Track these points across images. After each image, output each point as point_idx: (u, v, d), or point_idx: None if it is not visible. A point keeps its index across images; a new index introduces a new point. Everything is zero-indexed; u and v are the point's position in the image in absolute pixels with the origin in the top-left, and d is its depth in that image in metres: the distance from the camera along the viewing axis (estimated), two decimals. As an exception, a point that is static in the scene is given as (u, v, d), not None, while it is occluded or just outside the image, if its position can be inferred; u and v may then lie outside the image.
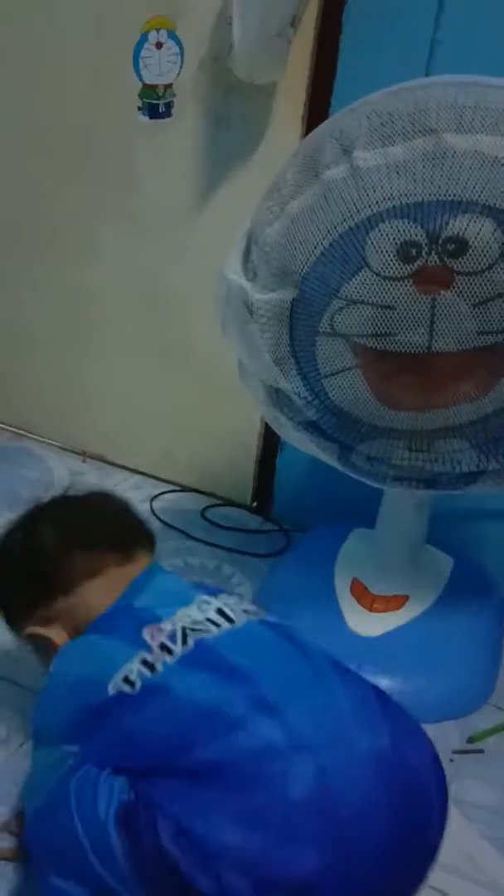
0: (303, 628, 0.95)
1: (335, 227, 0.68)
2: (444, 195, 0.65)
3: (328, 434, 0.82)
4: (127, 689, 0.62)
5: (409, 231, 0.65)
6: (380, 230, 0.66)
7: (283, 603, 1.01)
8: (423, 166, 0.65)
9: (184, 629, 0.65)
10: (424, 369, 0.72)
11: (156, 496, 1.32)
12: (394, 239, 0.66)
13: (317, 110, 1.08)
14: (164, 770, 0.58)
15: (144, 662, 0.63)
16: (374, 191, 0.66)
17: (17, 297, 1.42)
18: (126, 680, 0.62)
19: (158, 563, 0.79)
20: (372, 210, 0.66)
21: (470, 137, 0.64)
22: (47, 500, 0.82)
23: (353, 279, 0.68)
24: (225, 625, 0.67)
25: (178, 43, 1.12)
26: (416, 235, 0.66)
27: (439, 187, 0.65)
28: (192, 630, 0.66)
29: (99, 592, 0.72)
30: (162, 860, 0.54)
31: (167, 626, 0.66)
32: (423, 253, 0.66)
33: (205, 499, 1.34)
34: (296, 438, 0.86)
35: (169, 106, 1.14)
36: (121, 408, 1.37)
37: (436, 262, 0.66)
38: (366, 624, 0.94)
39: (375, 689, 0.66)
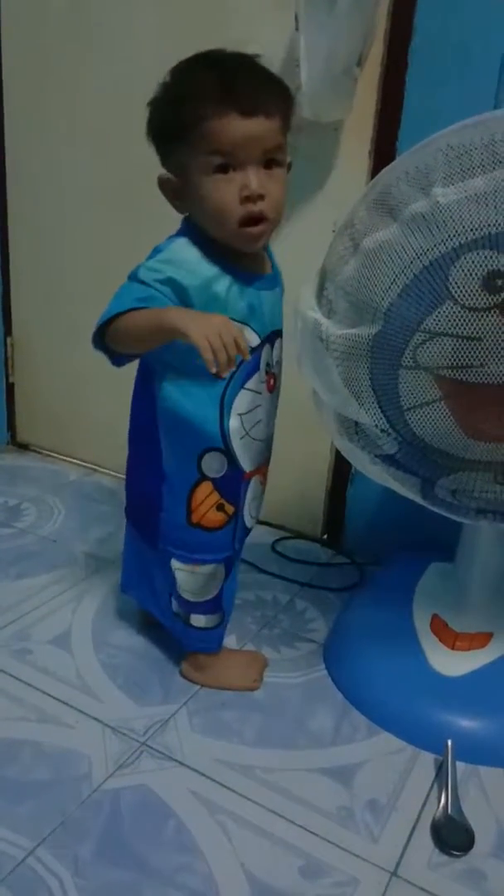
0: (382, 666, 0.94)
1: (416, 262, 0.68)
2: (530, 224, 0.64)
3: (408, 467, 0.81)
4: None
5: (494, 261, 0.65)
6: (463, 262, 0.65)
7: (360, 640, 0.99)
8: (507, 196, 0.64)
9: None
10: (511, 400, 0.70)
11: (225, 530, 1.33)
12: (478, 270, 0.65)
13: (384, 146, 1.09)
14: None
15: None
16: (457, 224, 0.65)
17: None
18: None
19: None
20: (455, 242, 0.65)
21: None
22: None
23: (437, 312, 0.67)
24: None
25: (245, 88, 1.15)
26: (502, 265, 0.65)
27: (525, 216, 0.64)
28: None
29: None
30: None
31: None
32: (509, 283, 0.65)
33: (275, 532, 1.34)
34: (372, 471, 0.85)
35: (236, 148, 1.17)
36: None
37: (522, 291, 0.65)
38: (449, 663, 0.91)
39: None
